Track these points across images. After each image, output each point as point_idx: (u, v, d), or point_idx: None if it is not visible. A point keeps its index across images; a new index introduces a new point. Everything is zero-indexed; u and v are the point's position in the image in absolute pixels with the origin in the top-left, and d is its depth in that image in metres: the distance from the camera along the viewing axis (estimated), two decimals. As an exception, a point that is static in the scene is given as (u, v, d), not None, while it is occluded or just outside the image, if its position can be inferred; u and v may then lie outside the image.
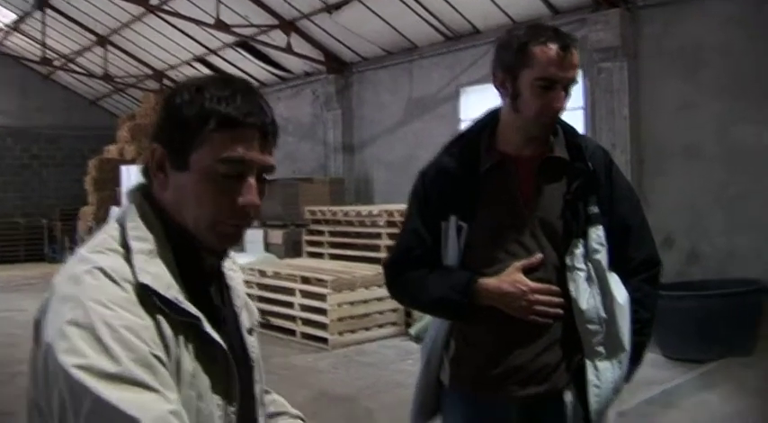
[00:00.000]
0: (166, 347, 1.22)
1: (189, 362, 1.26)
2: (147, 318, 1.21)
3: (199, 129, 1.28)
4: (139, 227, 1.31)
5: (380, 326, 8.05)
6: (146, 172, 1.36)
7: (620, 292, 2.17)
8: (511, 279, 2.10)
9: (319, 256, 9.88)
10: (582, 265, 2.14)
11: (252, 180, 1.32)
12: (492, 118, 2.26)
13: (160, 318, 1.22)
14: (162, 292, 1.23)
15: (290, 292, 8.14)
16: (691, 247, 7.72)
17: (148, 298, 1.22)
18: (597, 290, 2.15)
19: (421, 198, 2.29)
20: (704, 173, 7.64)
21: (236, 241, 1.37)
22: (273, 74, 13.63)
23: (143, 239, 1.29)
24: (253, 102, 1.32)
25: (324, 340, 7.69)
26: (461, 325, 2.25)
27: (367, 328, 7.96)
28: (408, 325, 7.89)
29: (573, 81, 2.10)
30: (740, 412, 5.27)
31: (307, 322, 7.95)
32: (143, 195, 1.36)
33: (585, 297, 2.13)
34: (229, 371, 1.33)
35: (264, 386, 1.60)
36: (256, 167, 1.32)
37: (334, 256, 9.63)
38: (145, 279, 1.23)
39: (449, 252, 2.22)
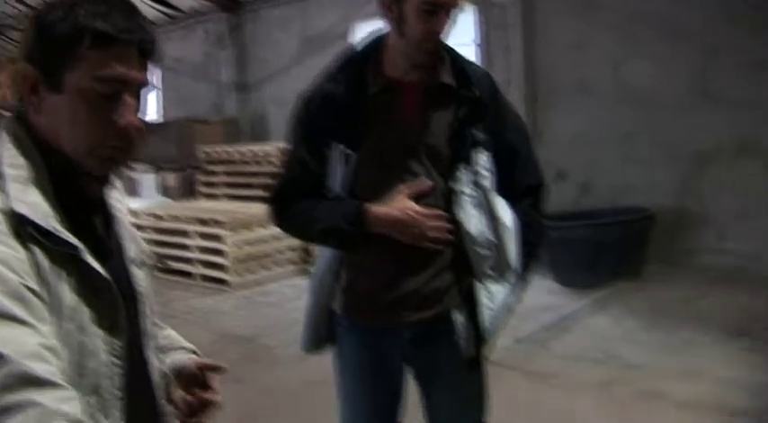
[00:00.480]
0: (43, 280, 1.15)
1: (69, 295, 1.19)
2: (21, 249, 1.14)
3: (73, 47, 1.21)
4: (14, 154, 1.23)
5: (280, 265, 8.02)
6: (20, 97, 1.28)
7: (506, 215, 2.20)
8: (401, 206, 2.09)
9: (215, 197, 9.72)
10: (469, 191, 2.15)
11: (130, 100, 1.25)
12: (378, 43, 2.21)
13: (36, 249, 1.16)
14: (39, 221, 1.16)
15: (188, 234, 8.01)
16: (584, 180, 7.94)
17: (23, 228, 1.15)
18: (485, 214, 2.17)
19: (306, 126, 2.23)
20: (597, 109, 7.82)
21: (118, 165, 1.30)
22: (163, 13, 13.12)
23: (18, 167, 1.21)
24: (130, 18, 1.25)
25: (224, 282, 7.62)
26: (352, 254, 2.24)
27: (267, 268, 7.93)
28: (307, 263, 7.89)
29: (456, 6, 2.08)
30: (629, 332, 5.52)
31: (206, 264, 7.85)
32: (18, 121, 1.28)
33: (474, 222, 2.15)
34: (114, 304, 1.27)
35: (158, 321, 1.55)
36: (135, 86, 1.26)
37: (230, 197, 9.49)
38: (20, 208, 1.16)
39: (337, 181, 2.18)
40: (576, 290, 6.63)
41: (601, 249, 6.66)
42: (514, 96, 7.96)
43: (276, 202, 2.30)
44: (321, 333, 2.37)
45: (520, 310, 6.17)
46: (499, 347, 5.08)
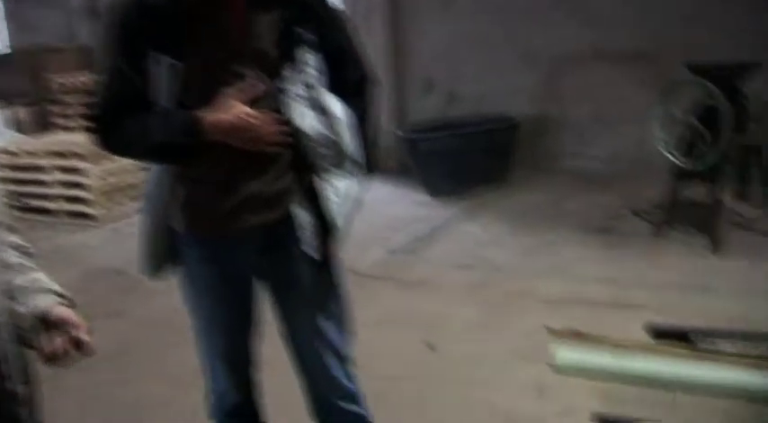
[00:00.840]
0: None
1: None
2: None
3: None
4: None
5: (149, 196, 7.80)
6: None
7: (338, 110, 2.19)
8: (234, 111, 2.01)
9: (73, 129, 9.29)
10: (300, 91, 2.12)
11: None
12: None
13: None
14: None
15: (47, 170, 7.65)
16: (450, 90, 8.02)
17: None
18: (318, 112, 2.15)
19: (122, 37, 2.07)
20: (459, 20, 7.83)
21: None
22: (-2, -67, 12.25)
23: None
24: None
25: (90, 216, 7.35)
26: (186, 167, 2.16)
27: (134, 199, 7.69)
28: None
29: None
30: (498, 237, 5.72)
31: (69, 200, 7.54)
32: None
33: (308, 121, 2.12)
34: None
35: (25, 263, 1.54)
36: None
37: (90, 129, 9.11)
38: None
39: (163, 93, 2.05)
40: (446, 200, 6.78)
41: (468, 159, 6.81)
42: (377, 10, 7.92)
43: (99, 124, 2.14)
44: (160, 255, 2.30)
45: (391, 223, 6.27)
46: (372, 260, 5.19)
